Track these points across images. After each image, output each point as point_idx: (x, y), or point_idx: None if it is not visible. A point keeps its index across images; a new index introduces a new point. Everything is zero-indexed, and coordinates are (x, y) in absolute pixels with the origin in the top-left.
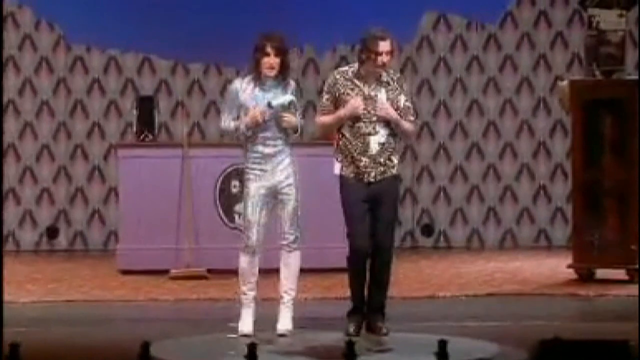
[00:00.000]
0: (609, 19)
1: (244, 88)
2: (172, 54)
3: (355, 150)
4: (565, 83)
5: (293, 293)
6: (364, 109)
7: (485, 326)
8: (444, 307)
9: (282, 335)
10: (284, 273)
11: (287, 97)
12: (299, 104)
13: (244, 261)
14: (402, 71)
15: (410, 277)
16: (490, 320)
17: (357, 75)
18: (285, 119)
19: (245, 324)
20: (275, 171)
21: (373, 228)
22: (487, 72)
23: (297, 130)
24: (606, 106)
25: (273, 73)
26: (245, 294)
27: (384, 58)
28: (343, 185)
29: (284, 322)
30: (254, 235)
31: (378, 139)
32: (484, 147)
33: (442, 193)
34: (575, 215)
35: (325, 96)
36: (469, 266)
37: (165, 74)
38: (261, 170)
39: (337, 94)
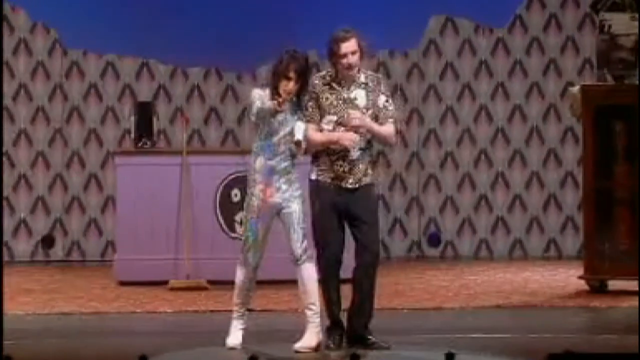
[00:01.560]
0: (621, 23)
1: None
2: (171, 59)
3: (335, 155)
4: (576, 89)
5: (314, 307)
6: (344, 112)
7: (494, 339)
8: (452, 319)
9: (297, 352)
10: (300, 288)
11: (299, 135)
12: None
13: (240, 275)
14: (408, 76)
15: (416, 288)
16: (499, 332)
17: (335, 79)
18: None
19: (233, 338)
20: (279, 187)
21: (356, 236)
22: (495, 78)
23: None
24: (618, 112)
25: (288, 98)
26: (236, 306)
27: (350, 59)
28: (317, 190)
29: (305, 340)
30: (251, 252)
31: (358, 144)
32: (493, 155)
33: (449, 202)
34: (587, 225)
35: (309, 103)
36: (477, 277)
37: (164, 79)
38: (264, 184)
39: (317, 99)
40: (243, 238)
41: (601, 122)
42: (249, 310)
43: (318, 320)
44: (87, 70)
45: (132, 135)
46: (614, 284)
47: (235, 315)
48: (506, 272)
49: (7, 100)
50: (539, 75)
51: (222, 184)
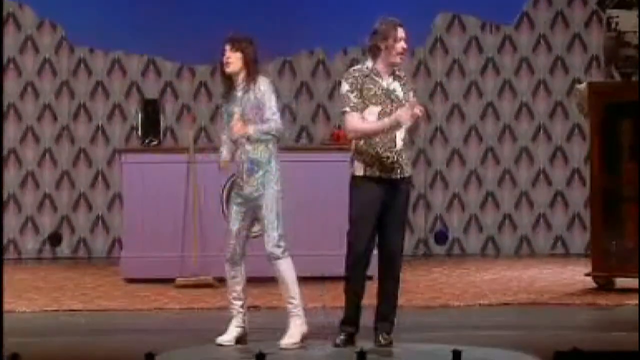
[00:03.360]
0: (628, 20)
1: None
2: (177, 56)
3: (382, 147)
4: (583, 86)
5: (294, 301)
6: (386, 103)
7: (501, 336)
8: (458, 317)
9: (283, 349)
10: (279, 284)
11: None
12: (272, 101)
13: (227, 271)
14: (414, 74)
15: (423, 286)
16: (506, 330)
17: (374, 71)
18: (234, 129)
19: (225, 335)
20: (248, 180)
21: (384, 231)
22: (502, 75)
23: (256, 134)
24: (625, 110)
25: (230, 68)
26: (231, 303)
27: (405, 44)
28: (360, 185)
29: (288, 335)
30: (232, 245)
31: (400, 134)
32: (499, 152)
33: (456, 199)
34: (594, 222)
35: (353, 94)
36: (484, 274)
37: (170, 76)
38: (239, 178)
39: (361, 90)
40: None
41: (608, 120)
42: (255, 307)
43: (300, 312)
44: (93, 68)
45: (139, 132)
46: (621, 282)
47: (232, 312)
48: (513, 270)
49: (13, 98)
50: (545, 73)
51: (229, 182)
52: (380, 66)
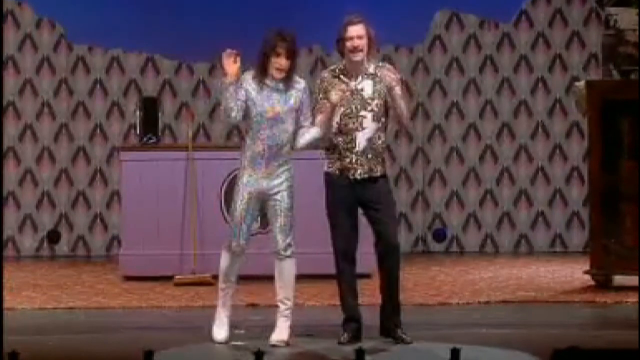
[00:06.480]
0: (627, 18)
1: (249, 83)
2: (176, 54)
3: (342, 147)
4: (582, 84)
5: (289, 302)
6: (350, 104)
7: (499, 334)
8: (457, 315)
9: (274, 346)
10: (278, 282)
11: (303, 142)
12: (311, 102)
13: (224, 259)
14: (413, 71)
15: (422, 284)
16: (504, 328)
17: (343, 71)
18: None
19: (223, 330)
20: (269, 175)
21: (374, 228)
22: (501, 73)
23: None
24: (624, 108)
25: (281, 75)
26: (222, 290)
27: (355, 42)
28: (328, 184)
29: (278, 333)
30: (237, 236)
31: (364, 134)
32: (498, 150)
33: (454, 197)
34: (592, 220)
35: (319, 95)
36: (483, 272)
37: (169, 74)
38: (254, 170)
39: (326, 92)
40: (230, 222)
41: (607, 117)
42: (253, 305)
43: (290, 315)
44: (92, 66)
45: (138, 130)
46: (619, 279)
47: (220, 302)
48: (512, 268)
49: (12, 96)
50: (544, 71)
51: (228, 179)
52: (348, 66)
